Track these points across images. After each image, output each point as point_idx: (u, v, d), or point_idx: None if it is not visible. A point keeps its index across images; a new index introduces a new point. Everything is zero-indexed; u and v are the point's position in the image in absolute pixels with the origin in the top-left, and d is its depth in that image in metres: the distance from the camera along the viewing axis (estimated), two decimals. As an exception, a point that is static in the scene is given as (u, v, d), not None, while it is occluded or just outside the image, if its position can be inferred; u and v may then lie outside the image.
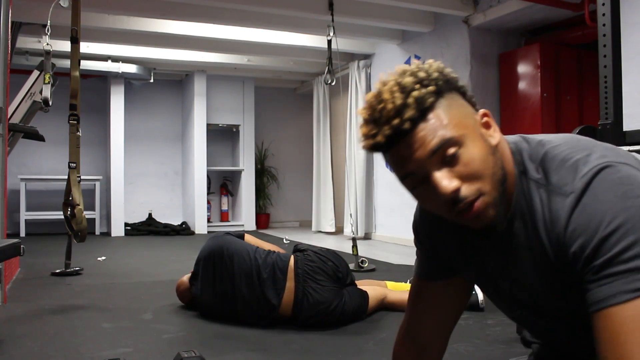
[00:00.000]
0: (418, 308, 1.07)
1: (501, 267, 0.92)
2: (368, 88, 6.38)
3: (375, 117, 0.80)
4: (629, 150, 1.88)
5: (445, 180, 0.78)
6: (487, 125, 0.85)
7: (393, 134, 0.78)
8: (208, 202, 7.48)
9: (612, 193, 0.73)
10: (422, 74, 0.80)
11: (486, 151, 0.81)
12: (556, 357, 1.07)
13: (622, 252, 0.70)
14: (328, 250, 2.54)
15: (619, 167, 0.76)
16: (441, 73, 0.82)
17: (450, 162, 0.79)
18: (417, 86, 0.79)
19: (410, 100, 0.78)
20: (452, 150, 0.78)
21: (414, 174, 0.81)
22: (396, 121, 0.78)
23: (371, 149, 0.82)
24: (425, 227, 1.02)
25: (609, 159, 0.77)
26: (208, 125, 7.38)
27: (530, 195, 0.83)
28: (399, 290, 2.77)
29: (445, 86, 0.81)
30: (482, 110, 0.86)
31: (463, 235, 0.95)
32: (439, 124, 0.78)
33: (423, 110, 0.78)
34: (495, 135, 0.85)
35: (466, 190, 0.79)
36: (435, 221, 0.98)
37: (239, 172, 7.79)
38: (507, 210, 0.85)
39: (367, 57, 6.43)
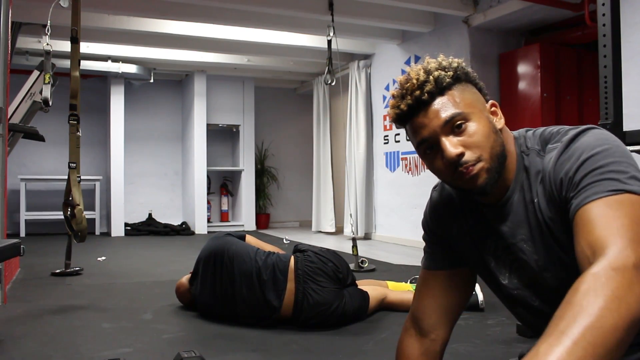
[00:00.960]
0: (423, 296, 1.17)
1: (504, 246, 1.03)
2: (368, 88, 6.39)
3: (402, 93, 0.97)
4: (630, 151, 1.87)
5: (451, 146, 0.94)
6: (494, 114, 1.01)
7: (414, 104, 0.95)
8: (208, 202, 7.48)
9: (594, 138, 0.89)
10: (444, 63, 0.98)
11: (489, 129, 0.96)
12: None
13: (598, 167, 0.83)
14: (328, 250, 2.53)
15: (602, 129, 0.92)
16: (461, 66, 0.99)
17: (457, 132, 0.94)
18: (439, 69, 0.96)
19: (431, 77, 0.95)
20: (460, 122, 0.94)
21: (427, 141, 0.96)
22: (417, 93, 0.95)
23: (396, 118, 0.99)
24: (436, 216, 1.15)
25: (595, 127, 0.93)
26: (208, 125, 7.38)
27: (530, 164, 0.98)
28: (400, 291, 2.77)
29: (463, 76, 0.98)
30: (491, 101, 1.02)
31: (470, 219, 1.08)
32: (453, 101, 0.95)
33: (441, 88, 0.95)
34: (500, 122, 1.01)
35: (468, 155, 0.94)
36: (446, 210, 1.13)
37: (239, 172, 7.79)
38: (507, 186, 0.99)
39: (367, 57, 6.43)
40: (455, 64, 0.98)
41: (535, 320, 1.07)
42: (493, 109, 1.01)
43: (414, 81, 0.95)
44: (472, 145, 0.94)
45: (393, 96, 1.00)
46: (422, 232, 1.21)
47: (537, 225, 0.96)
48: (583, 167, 0.85)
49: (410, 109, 0.96)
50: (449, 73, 0.96)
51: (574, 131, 0.92)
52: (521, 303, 1.06)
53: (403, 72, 5.27)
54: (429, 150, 0.98)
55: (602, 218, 0.77)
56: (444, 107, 0.94)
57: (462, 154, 0.93)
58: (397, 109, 0.98)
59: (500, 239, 1.03)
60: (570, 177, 0.86)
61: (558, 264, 0.95)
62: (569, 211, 0.85)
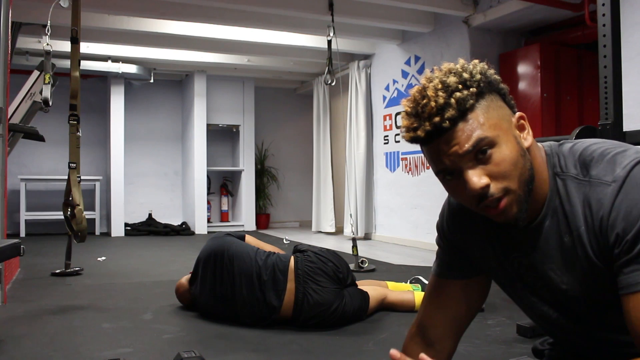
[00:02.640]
0: (433, 305, 1.09)
1: (529, 264, 0.96)
2: (368, 88, 6.39)
3: (418, 112, 0.85)
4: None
5: (475, 177, 0.84)
6: (521, 128, 0.91)
7: (433, 131, 0.84)
8: (208, 203, 7.48)
9: None
10: (465, 75, 0.85)
11: (517, 153, 0.86)
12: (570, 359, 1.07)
13: None
14: (328, 250, 2.53)
15: None
16: (484, 75, 0.87)
17: (482, 160, 0.85)
18: (460, 87, 0.84)
19: (452, 100, 0.83)
20: (485, 150, 0.84)
21: (448, 168, 0.87)
22: (437, 119, 0.83)
23: (411, 141, 0.88)
24: (455, 225, 1.06)
25: None
26: (208, 125, 7.38)
27: (566, 191, 0.89)
28: (400, 291, 2.77)
29: (486, 87, 0.87)
30: (518, 113, 0.92)
31: (493, 233, 1.00)
32: (477, 124, 0.84)
33: (463, 111, 0.84)
34: (528, 138, 0.90)
35: (494, 188, 0.85)
36: (467, 220, 1.03)
37: (239, 172, 7.79)
38: (537, 209, 0.91)
39: (367, 57, 6.43)
40: (478, 76, 0.86)
41: (559, 333, 1.04)
42: (521, 122, 0.91)
43: (432, 104, 0.83)
44: (498, 175, 0.84)
45: (406, 112, 0.88)
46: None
47: (572, 257, 0.89)
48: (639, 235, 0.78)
49: (429, 135, 0.85)
50: (472, 90, 0.84)
51: (626, 163, 0.83)
52: (545, 318, 1.01)
53: (403, 72, 5.25)
54: (449, 176, 0.88)
55: None
56: (466, 133, 0.83)
57: (487, 186, 0.84)
58: (412, 132, 0.86)
59: (528, 265, 0.96)
60: (627, 242, 0.80)
61: (593, 293, 0.90)
62: (616, 266, 0.83)
